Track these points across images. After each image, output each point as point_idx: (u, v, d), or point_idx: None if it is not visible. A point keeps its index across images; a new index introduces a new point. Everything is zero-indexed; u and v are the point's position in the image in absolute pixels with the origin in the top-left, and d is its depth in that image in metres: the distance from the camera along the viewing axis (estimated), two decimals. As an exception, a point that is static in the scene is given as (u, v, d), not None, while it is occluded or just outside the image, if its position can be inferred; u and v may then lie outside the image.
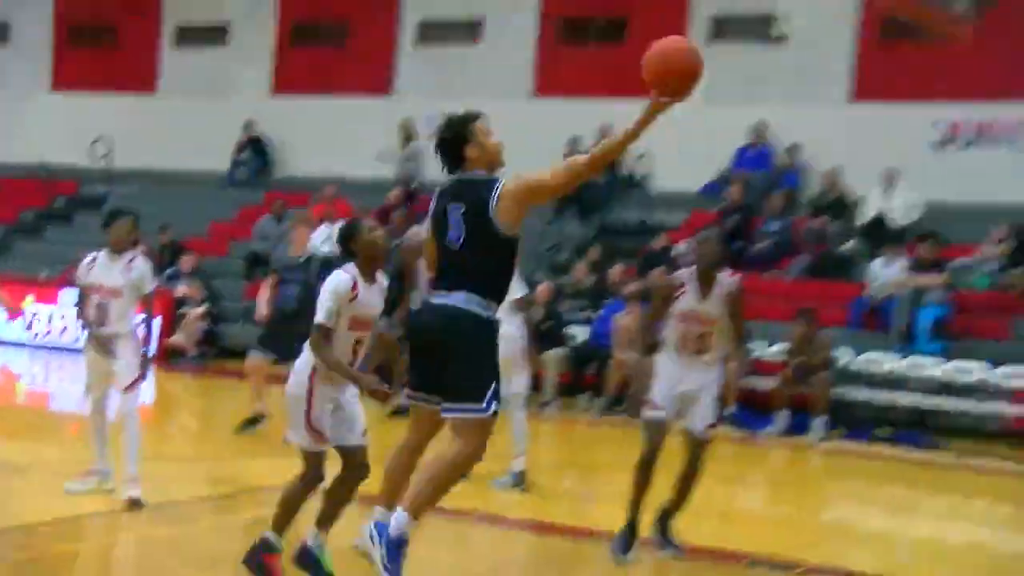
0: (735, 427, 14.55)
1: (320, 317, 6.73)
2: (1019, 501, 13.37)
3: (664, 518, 8.55)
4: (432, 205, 6.60)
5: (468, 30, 23.31)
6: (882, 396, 16.25)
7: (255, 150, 24.75)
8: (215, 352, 19.79)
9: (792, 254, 19.05)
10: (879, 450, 15.24)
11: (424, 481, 6.24)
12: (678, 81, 6.03)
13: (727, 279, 8.23)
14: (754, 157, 20.93)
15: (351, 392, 7.01)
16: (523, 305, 10.35)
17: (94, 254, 9.03)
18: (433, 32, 23.59)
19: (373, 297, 7.02)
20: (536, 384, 14.15)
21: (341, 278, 6.82)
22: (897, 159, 18.86)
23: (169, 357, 18.89)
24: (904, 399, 16.28)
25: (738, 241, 18.67)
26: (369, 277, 6.95)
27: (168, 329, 19.15)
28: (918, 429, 16.01)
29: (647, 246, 19.06)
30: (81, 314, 9.07)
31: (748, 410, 15.24)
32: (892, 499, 12.95)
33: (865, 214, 19.09)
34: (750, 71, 20.80)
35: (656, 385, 8.27)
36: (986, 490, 13.78)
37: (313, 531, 7.08)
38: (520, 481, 10.44)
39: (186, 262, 20.51)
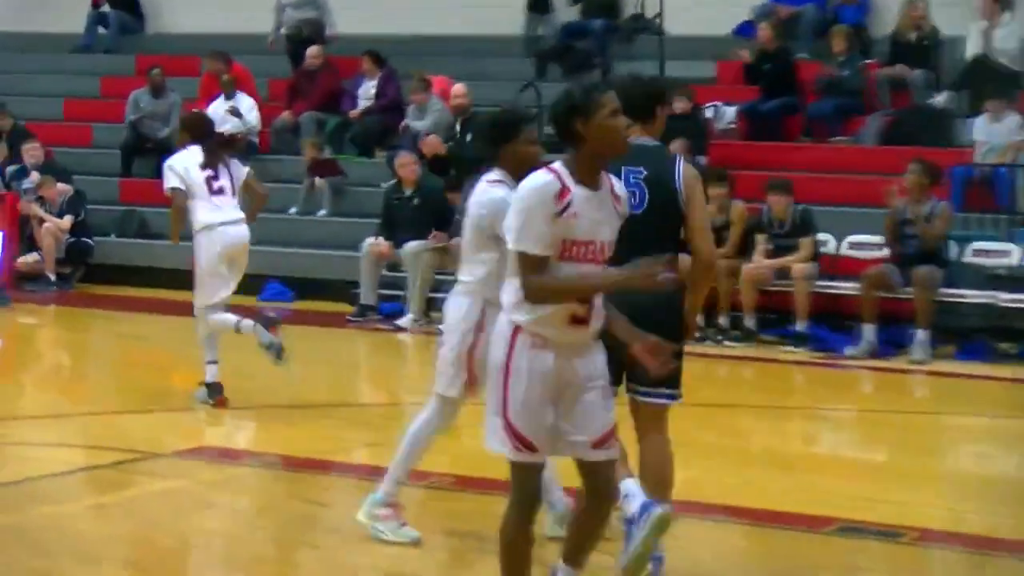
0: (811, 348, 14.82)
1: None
2: None
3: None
4: None
5: None
6: (1003, 298, 15.59)
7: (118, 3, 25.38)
8: (82, 274, 19.50)
9: (862, 113, 18.95)
10: (1005, 371, 14.74)
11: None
12: None
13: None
14: (802, -14, 21.68)
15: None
16: None
17: None
18: None
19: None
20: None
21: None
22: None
23: (21, 282, 18.81)
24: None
25: (782, 98, 18.72)
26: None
27: (17, 246, 18.96)
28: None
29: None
30: None
31: (825, 324, 15.24)
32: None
33: (961, 56, 18.98)
34: None
35: None
36: None
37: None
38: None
39: (31, 152, 19.90)
